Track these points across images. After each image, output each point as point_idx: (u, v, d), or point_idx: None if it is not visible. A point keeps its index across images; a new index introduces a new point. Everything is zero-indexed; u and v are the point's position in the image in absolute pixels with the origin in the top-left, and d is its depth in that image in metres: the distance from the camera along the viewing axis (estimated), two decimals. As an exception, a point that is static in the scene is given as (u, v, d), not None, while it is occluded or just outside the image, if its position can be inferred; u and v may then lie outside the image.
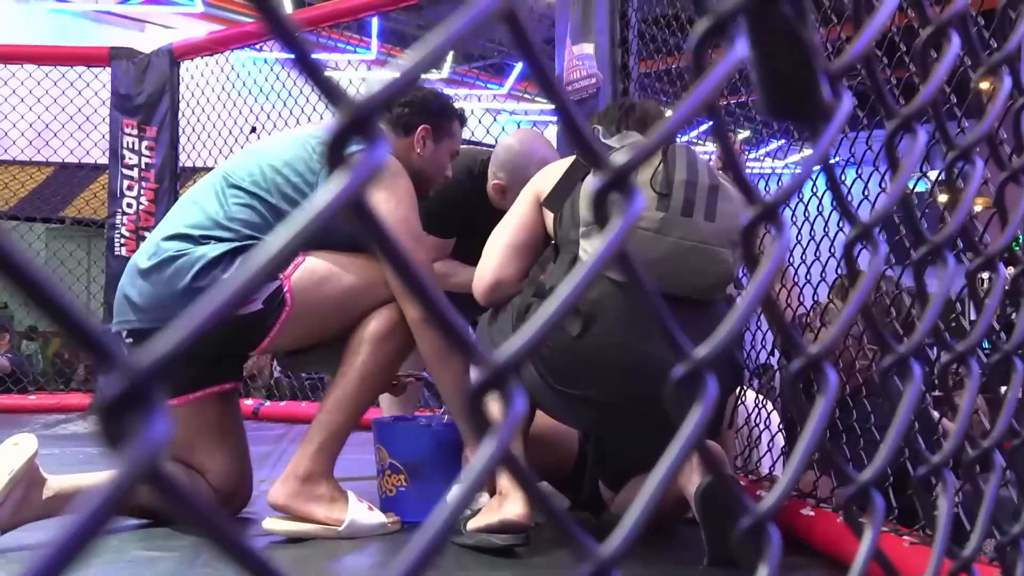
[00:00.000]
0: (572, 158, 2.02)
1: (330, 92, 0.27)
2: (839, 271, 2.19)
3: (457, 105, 2.44)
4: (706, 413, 0.38)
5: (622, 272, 0.39)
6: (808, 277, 2.16)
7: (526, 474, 0.34)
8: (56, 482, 1.96)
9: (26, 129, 5.12)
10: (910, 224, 0.63)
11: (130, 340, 2.14)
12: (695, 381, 0.39)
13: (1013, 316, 0.73)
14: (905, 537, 1.59)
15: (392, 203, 2.08)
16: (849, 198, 1.89)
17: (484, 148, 2.76)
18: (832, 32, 2.24)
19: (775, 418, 2.29)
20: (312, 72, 0.27)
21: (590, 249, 1.86)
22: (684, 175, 1.81)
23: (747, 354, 2.43)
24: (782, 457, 2.25)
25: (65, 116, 5.11)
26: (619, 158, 0.37)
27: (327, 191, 0.27)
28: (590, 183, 1.91)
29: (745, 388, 2.28)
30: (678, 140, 2.50)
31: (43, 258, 6.15)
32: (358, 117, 0.27)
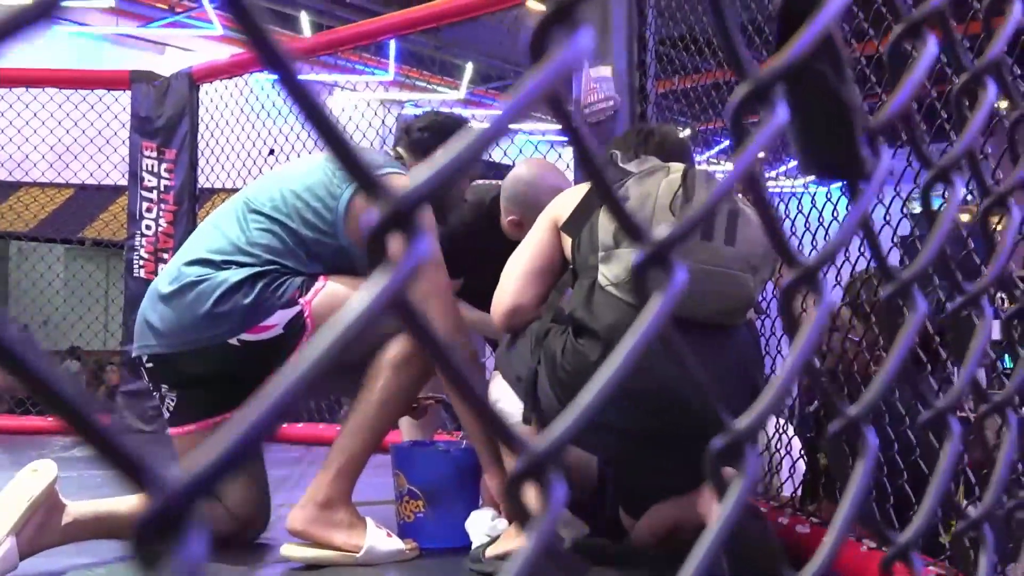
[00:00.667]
0: (590, 183, 2.01)
1: (369, 186, 0.26)
2: (853, 273, 2.17)
3: None
4: (748, 488, 0.37)
5: (665, 347, 0.38)
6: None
7: (562, 554, 0.34)
8: (75, 508, 1.96)
9: (47, 151, 5.16)
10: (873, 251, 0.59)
11: (150, 364, 2.15)
12: (735, 453, 0.38)
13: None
14: (931, 569, 1.57)
15: (431, 290, 2.06)
16: (888, 218, 1.87)
17: (492, 184, 2.71)
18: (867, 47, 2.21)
19: (796, 443, 2.27)
20: (349, 161, 0.26)
21: (609, 274, 1.86)
22: (703, 198, 1.80)
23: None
24: (802, 483, 2.23)
25: (85, 139, 5.16)
26: (661, 232, 0.36)
27: (371, 287, 0.26)
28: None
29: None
30: (697, 164, 2.49)
31: (62, 280, 6.18)
32: (399, 213, 0.26)
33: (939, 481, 0.52)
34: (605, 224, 1.86)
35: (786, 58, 0.36)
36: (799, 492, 2.14)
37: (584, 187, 2.02)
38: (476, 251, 2.53)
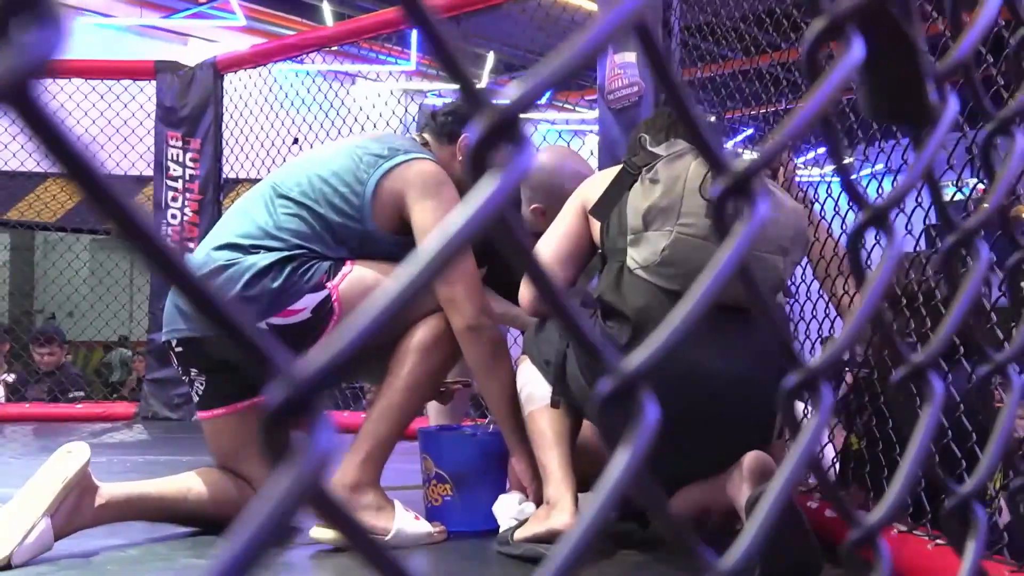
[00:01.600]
0: (619, 167, 2.01)
1: (474, 95, 0.27)
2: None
3: None
4: (823, 422, 0.37)
5: (742, 283, 0.38)
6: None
7: (656, 497, 0.33)
8: (108, 490, 1.98)
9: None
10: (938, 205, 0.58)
11: (180, 349, 2.16)
12: (811, 388, 0.38)
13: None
14: (936, 540, 1.57)
15: (439, 212, 2.08)
16: (919, 200, 1.85)
17: None
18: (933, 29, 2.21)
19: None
20: (458, 75, 0.27)
21: (638, 257, 1.85)
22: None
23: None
24: (832, 468, 2.22)
25: (111, 129, 5.19)
26: (742, 162, 0.36)
27: (477, 195, 0.26)
28: (639, 192, 1.90)
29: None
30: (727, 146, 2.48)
31: (88, 269, 6.22)
32: (505, 121, 0.26)
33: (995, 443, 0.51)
34: (635, 207, 1.85)
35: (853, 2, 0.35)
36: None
37: (611, 171, 2.01)
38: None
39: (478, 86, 0.28)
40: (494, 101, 0.27)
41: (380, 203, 2.11)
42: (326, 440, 0.23)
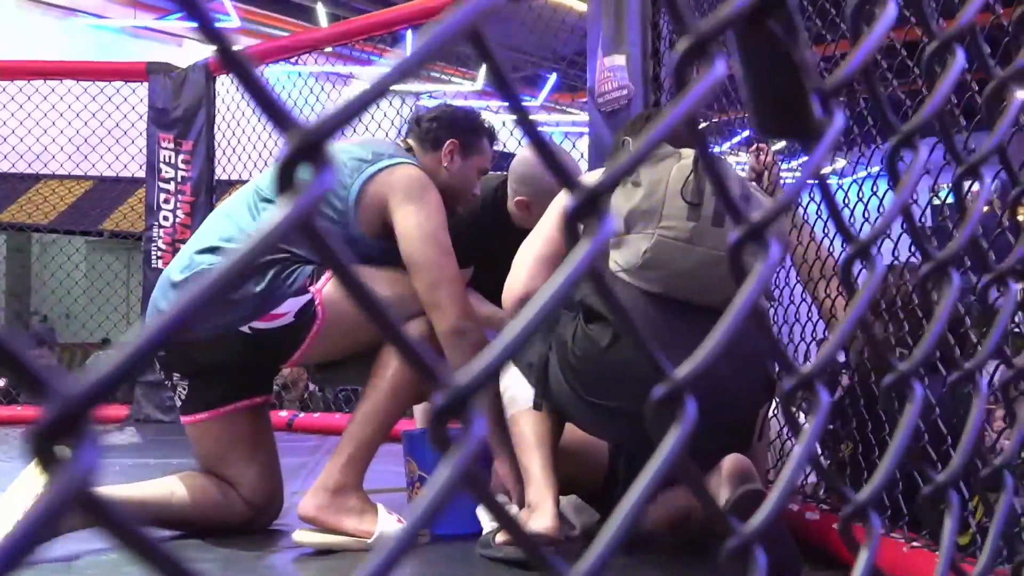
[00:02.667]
0: (602, 169, 2.01)
1: (279, 117, 0.27)
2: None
3: (487, 123, 2.43)
4: (683, 437, 0.39)
5: (597, 292, 0.41)
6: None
7: (492, 499, 0.35)
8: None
9: (65, 143, 5.20)
10: (915, 239, 0.64)
11: (162, 353, 2.16)
12: (674, 403, 0.39)
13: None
14: (912, 543, 1.57)
15: (421, 216, 2.09)
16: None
17: (500, 174, 2.68)
18: (827, 49, 2.23)
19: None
20: (259, 95, 0.27)
21: (620, 260, 1.85)
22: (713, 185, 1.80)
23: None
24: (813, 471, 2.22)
25: (104, 131, 5.19)
26: (590, 179, 0.39)
27: (277, 213, 0.28)
28: (620, 194, 1.90)
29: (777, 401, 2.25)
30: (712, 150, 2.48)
31: (83, 272, 6.22)
32: (307, 143, 0.28)
33: (899, 441, 0.52)
34: (616, 209, 1.85)
35: (725, 14, 0.36)
36: (812, 480, 2.14)
37: (596, 173, 2.02)
38: (484, 240, 2.51)
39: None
40: (302, 124, 0.28)
41: (364, 208, 2.11)
42: (90, 457, 0.25)
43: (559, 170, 0.36)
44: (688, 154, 1.88)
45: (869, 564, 0.49)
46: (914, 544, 1.57)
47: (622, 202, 1.85)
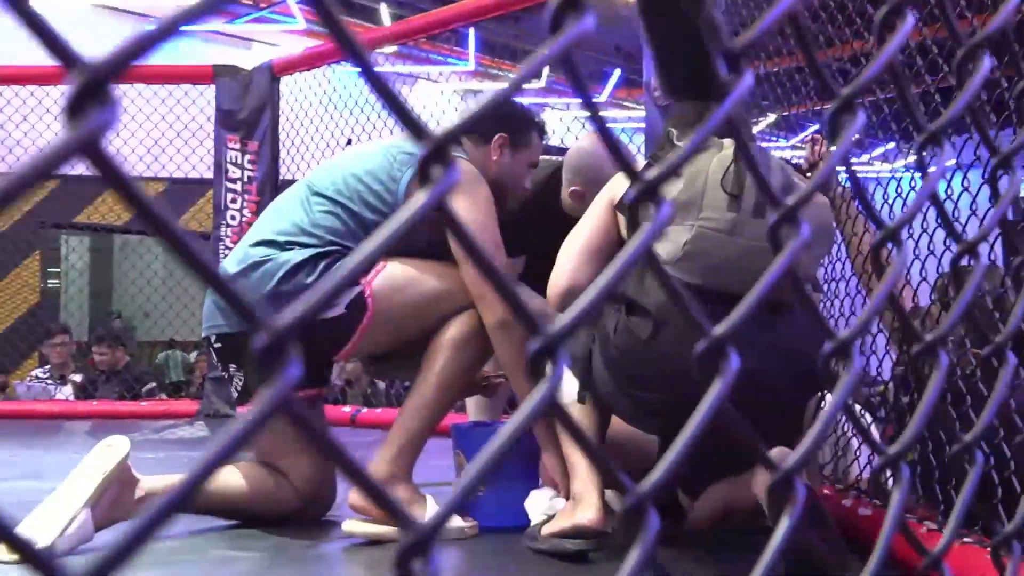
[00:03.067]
0: (647, 163, 2.00)
1: (414, 127, 0.37)
2: (939, 270, 2.10)
3: (537, 117, 2.42)
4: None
5: (654, 274, 0.45)
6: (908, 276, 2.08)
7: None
8: (147, 483, 2.03)
9: (137, 146, 5.35)
10: (947, 226, 0.67)
11: (218, 344, 2.21)
12: (717, 355, 0.43)
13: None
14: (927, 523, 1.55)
15: (470, 209, 2.10)
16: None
17: (553, 159, 2.66)
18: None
19: (873, 429, 2.21)
20: (399, 110, 0.36)
21: (662, 252, 1.84)
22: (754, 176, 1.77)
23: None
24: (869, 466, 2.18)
25: (173, 133, 5.33)
26: (650, 173, 0.42)
27: (418, 199, 0.37)
28: (628, 191, 1.88)
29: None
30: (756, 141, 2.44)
31: (161, 273, 6.39)
32: (438, 147, 0.37)
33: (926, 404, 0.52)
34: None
35: None
36: (864, 475, 2.10)
37: (640, 166, 2.00)
38: (535, 229, 2.51)
39: (415, 117, 0.38)
40: (85, 60, 0.30)
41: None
42: (294, 373, 0.35)
43: (623, 161, 0.41)
44: (729, 145, 1.86)
45: (900, 509, 0.52)
46: (929, 525, 1.53)
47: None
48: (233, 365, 2.22)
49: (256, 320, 0.34)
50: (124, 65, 0.29)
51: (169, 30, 0.29)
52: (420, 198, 0.38)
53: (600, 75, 10.28)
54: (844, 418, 2.26)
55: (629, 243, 0.46)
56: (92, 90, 0.28)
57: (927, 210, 2.09)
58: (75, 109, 0.28)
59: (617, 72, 9.83)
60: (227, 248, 5.03)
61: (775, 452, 1.69)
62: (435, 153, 0.38)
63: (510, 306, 0.42)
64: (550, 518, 1.97)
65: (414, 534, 0.35)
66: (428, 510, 2.06)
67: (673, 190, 1.79)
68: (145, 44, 0.29)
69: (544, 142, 2.44)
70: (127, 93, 5.28)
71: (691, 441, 0.45)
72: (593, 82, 10.31)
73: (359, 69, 0.37)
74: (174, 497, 0.31)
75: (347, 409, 4.70)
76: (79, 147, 0.27)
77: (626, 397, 1.84)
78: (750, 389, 1.77)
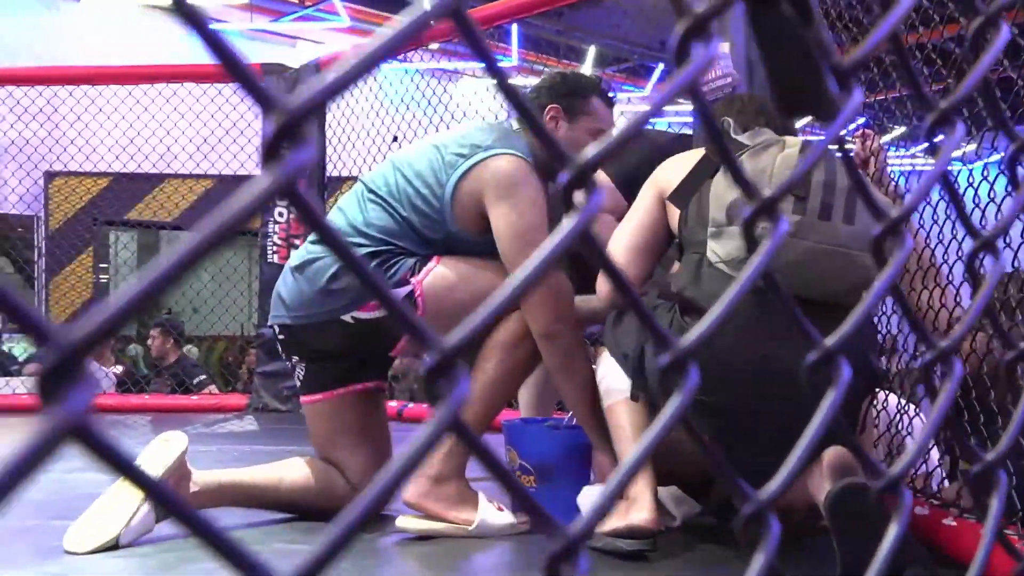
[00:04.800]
0: (697, 152, 1.98)
1: (555, 149, 0.37)
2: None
3: (596, 80, 2.34)
4: (839, 396, 0.43)
5: (769, 291, 0.46)
6: (951, 277, 2.06)
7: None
8: (201, 477, 2.07)
9: (187, 143, 5.43)
10: (959, 213, 0.67)
11: (281, 336, 2.25)
12: (828, 366, 0.43)
13: None
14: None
15: (513, 214, 2.08)
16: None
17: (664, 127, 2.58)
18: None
19: (918, 424, 2.19)
20: (539, 131, 0.36)
21: (720, 251, 1.82)
22: (822, 176, 1.75)
23: (898, 357, 2.34)
24: (939, 467, 2.15)
25: (222, 130, 5.40)
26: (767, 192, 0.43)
27: (563, 228, 0.38)
28: (721, 183, 1.86)
29: (886, 393, 2.19)
30: (813, 139, 2.41)
31: (208, 268, 6.48)
32: (581, 173, 0.38)
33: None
34: (718, 199, 1.82)
35: None
36: (936, 476, 2.07)
37: (689, 156, 1.98)
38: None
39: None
40: (284, 101, 0.30)
41: (460, 205, 2.12)
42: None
43: (736, 173, 0.41)
44: (793, 143, 1.84)
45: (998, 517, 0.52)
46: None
47: (724, 193, 1.82)
48: (296, 357, 2.26)
49: (428, 341, 0.35)
50: (319, 106, 0.30)
51: (362, 70, 0.30)
52: (565, 227, 0.39)
53: (645, 70, 10.23)
54: (897, 416, 2.23)
55: (746, 266, 0.48)
56: (288, 131, 0.29)
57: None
58: (272, 150, 0.29)
59: (662, 66, 9.78)
60: (275, 244, 5.08)
61: (832, 452, 1.68)
62: (578, 179, 0.38)
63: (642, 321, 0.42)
64: (602, 516, 1.97)
65: (563, 540, 0.36)
66: (480, 507, 2.08)
67: (738, 190, 1.77)
68: (339, 86, 0.30)
69: (611, 106, 2.35)
70: (177, 92, 5.36)
71: (810, 449, 0.45)
72: (638, 77, 10.27)
73: (502, 90, 0.37)
74: (369, 504, 0.32)
75: (394, 404, 4.74)
76: (278, 190, 0.28)
77: (680, 395, 1.83)
78: (812, 387, 1.76)
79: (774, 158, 1.81)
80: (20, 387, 5.31)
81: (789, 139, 1.83)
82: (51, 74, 5.51)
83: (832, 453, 1.67)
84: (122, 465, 0.29)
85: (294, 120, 0.29)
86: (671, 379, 0.46)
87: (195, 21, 0.29)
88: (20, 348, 7.32)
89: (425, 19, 0.31)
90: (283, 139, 0.30)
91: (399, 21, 0.33)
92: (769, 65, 0.42)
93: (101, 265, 8.02)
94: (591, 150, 0.39)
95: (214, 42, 0.29)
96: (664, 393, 0.44)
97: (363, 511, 0.31)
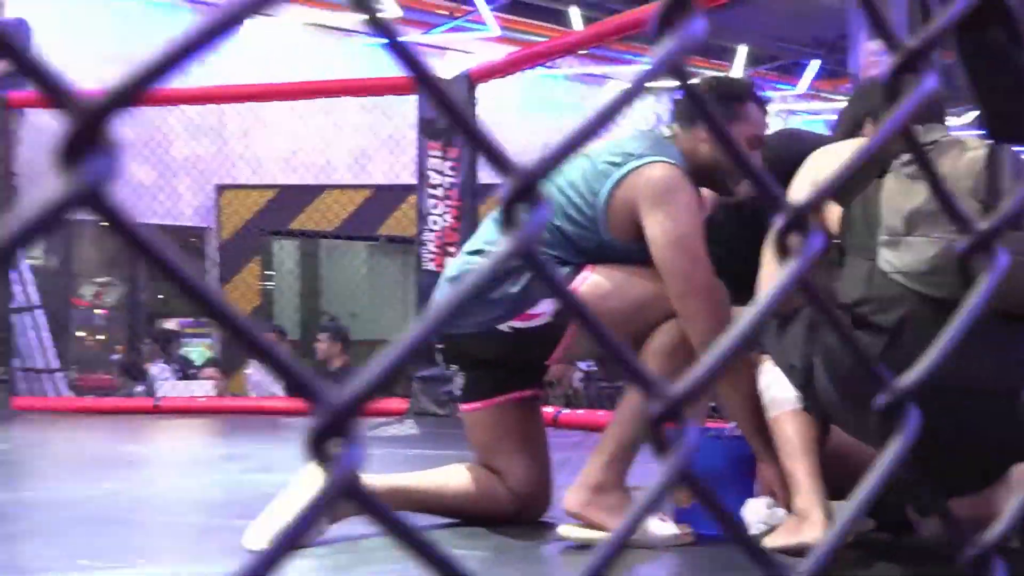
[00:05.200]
0: (853, 142, 1.89)
1: (766, 190, 0.38)
2: None
3: (752, 86, 2.28)
4: (906, 446, 0.42)
5: (810, 304, 0.44)
6: None
7: (714, 501, 0.39)
8: (371, 481, 2.14)
9: (345, 155, 5.63)
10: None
11: (440, 345, 2.31)
12: (895, 411, 0.42)
13: None
14: None
15: (668, 222, 2.05)
16: None
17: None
18: None
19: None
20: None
21: (896, 261, 1.74)
22: (1011, 183, 1.66)
23: None
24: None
25: (378, 142, 5.57)
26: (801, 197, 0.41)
27: (784, 272, 0.39)
28: (896, 189, 1.76)
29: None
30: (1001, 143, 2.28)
31: (365, 275, 6.70)
32: (797, 216, 0.39)
33: None
34: (894, 207, 1.73)
35: (935, 27, 0.35)
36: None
37: (846, 147, 1.89)
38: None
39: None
40: (519, 167, 0.31)
41: (614, 214, 2.10)
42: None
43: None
44: (974, 144, 1.74)
45: None
46: None
47: (900, 199, 1.73)
48: (455, 365, 2.31)
49: (652, 387, 0.37)
50: (551, 171, 0.31)
51: (584, 137, 0.31)
52: (785, 271, 0.40)
53: (797, 67, 9.95)
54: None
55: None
56: (524, 195, 0.30)
57: None
58: (509, 212, 0.31)
59: (816, 63, 9.47)
60: (430, 252, 5.21)
61: (1021, 469, 1.59)
62: (794, 222, 0.39)
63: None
64: (769, 528, 1.93)
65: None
66: (642, 516, 2.07)
67: (916, 197, 1.70)
68: (570, 147, 0.31)
69: (764, 109, 2.26)
70: (336, 106, 5.57)
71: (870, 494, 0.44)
72: (790, 74, 9.99)
73: (707, 122, 0.40)
74: (645, 505, 0.37)
75: (549, 410, 4.77)
76: (516, 252, 0.30)
77: (853, 411, 1.77)
78: (995, 403, 1.68)
79: (956, 163, 1.72)
80: (198, 390, 5.62)
81: (969, 141, 1.74)
82: (221, 92, 5.80)
83: (1020, 471, 1.59)
84: (390, 523, 0.30)
85: (530, 183, 0.30)
86: (889, 423, 0.44)
87: (388, 34, 0.31)
88: (197, 352, 7.75)
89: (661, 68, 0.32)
90: (520, 201, 0.31)
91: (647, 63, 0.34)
92: (978, 89, 0.40)
93: (266, 272, 8.41)
94: (804, 194, 0.38)
95: (405, 54, 0.30)
96: (881, 435, 0.42)
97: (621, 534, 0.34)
